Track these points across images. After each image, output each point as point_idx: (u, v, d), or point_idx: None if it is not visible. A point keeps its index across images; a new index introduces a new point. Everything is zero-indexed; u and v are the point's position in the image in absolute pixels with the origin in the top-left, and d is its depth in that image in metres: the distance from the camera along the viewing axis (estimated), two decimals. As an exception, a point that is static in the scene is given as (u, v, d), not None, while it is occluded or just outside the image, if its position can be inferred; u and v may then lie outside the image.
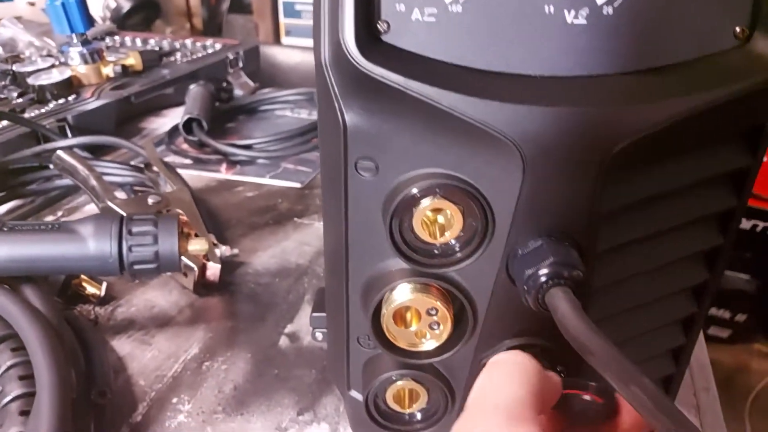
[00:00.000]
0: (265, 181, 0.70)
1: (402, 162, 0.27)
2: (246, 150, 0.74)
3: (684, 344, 0.33)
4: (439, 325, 0.30)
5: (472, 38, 0.25)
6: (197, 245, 0.45)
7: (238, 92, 0.94)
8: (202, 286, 0.51)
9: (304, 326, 0.47)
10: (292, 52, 1.16)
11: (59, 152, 0.59)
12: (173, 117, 0.88)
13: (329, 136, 0.28)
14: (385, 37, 0.25)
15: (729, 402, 1.36)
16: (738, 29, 0.25)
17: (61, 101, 0.77)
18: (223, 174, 0.72)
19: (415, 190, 0.27)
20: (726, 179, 0.29)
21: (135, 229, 0.43)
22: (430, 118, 0.25)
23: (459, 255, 0.28)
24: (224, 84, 0.94)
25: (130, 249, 0.42)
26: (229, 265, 0.54)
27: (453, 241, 0.28)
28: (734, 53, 0.26)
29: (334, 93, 0.27)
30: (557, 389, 0.27)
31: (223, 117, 0.87)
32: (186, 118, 0.76)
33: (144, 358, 0.44)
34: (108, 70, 0.85)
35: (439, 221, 0.28)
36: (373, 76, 0.25)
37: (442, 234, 0.28)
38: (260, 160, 0.75)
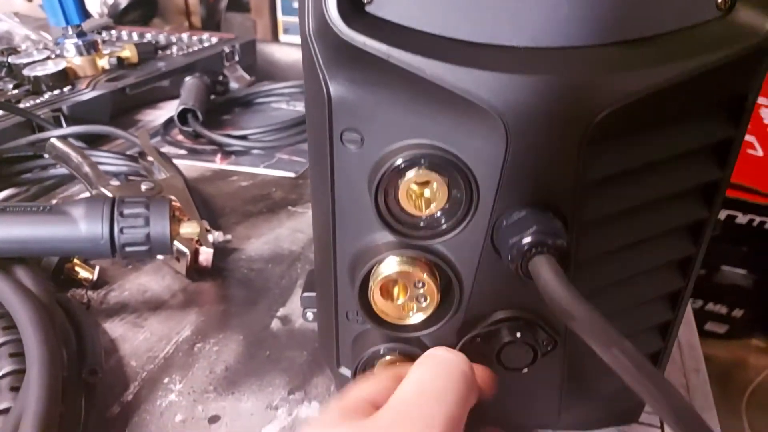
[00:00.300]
0: (260, 170, 0.71)
1: (387, 133, 0.27)
2: (241, 140, 0.74)
3: (671, 319, 0.33)
4: (425, 298, 0.30)
5: (454, 9, 0.25)
6: (189, 228, 0.45)
7: (234, 85, 0.94)
8: (195, 272, 0.51)
9: (296, 309, 0.48)
10: (290, 50, 1.16)
11: (53, 140, 0.59)
12: (169, 109, 0.88)
13: (315, 109, 0.28)
14: (368, 8, 0.26)
15: (726, 397, 1.36)
16: (720, 0, 0.26)
17: (56, 92, 0.78)
18: (218, 164, 0.72)
19: (399, 161, 0.27)
20: (710, 151, 0.29)
21: (126, 211, 0.43)
22: (414, 88, 0.26)
23: (444, 227, 0.28)
24: (220, 77, 0.94)
25: (121, 231, 0.42)
26: (222, 251, 0.54)
27: (438, 213, 0.28)
28: (716, 23, 0.26)
29: (318, 64, 0.27)
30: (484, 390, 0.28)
31: (218, 109, 0.87)
32: (181, 108, 0.76)
33: (136, 340, 0.44)
34: (103, 62, 0.85)
35: (424, 195, 0.28)
36: (356, 45, 0.25)
37: (427, 206, 0.28)
38: (255, 151, 0.75)
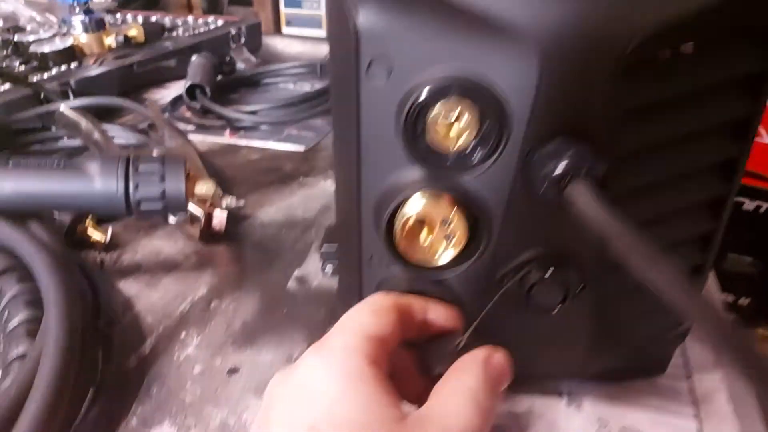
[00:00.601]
0: (269, 144, 0.70)
1: (416, 62, 0.27)
2: (250, 115, 0.74)
3: (713, 229, 0.32)
4: (453, 237, 0.29)
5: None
6: (204, 187, 0.45)
7: (241, 66, 0.94)
8: (209, 236, 0.51)
9: (313, 271, 0.47)
10: (293, 42, 1.16)
11: (62, 107, 0.59)
12: (176, 89, 0.87)
13: (339, 43, 0.28)
14: (400, -72, 0.25)
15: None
16: None
17: (63, 68, 0.77)
18: (227, 139, 0.72)
19: (429, 90, 0.26)
20: (742, 85, 0.29)
21: (142, 167, 0.42)
22: (445, 12, 0.25)
23: (475, 160, 0.28)
24: (227, 59, 0.93)
25: (136, 187, 0.42)
26: (234, 218, 0.54)
27: (469, 146, 0.28)
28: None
29: (347, -11, 0.26)
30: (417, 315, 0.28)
31: (225, 88, 0.86)
32: (189, 83, 0.75)
33: (151, 298, 0.44)
34: (110, 40, 0.84)
35: (454, 129, 0.28)
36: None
37: (457, 139, 0.27)
38: (263, 127, 0.74)
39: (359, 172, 0.30)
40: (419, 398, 0.25)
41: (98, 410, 0.33)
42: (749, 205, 1.21)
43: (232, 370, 0.37)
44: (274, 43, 1.13)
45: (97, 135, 0.55)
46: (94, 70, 0.76)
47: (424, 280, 0.32)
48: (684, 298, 0.21)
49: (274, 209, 0.56)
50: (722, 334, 0.21)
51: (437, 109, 0.27)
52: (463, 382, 0.25)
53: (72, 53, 0.80)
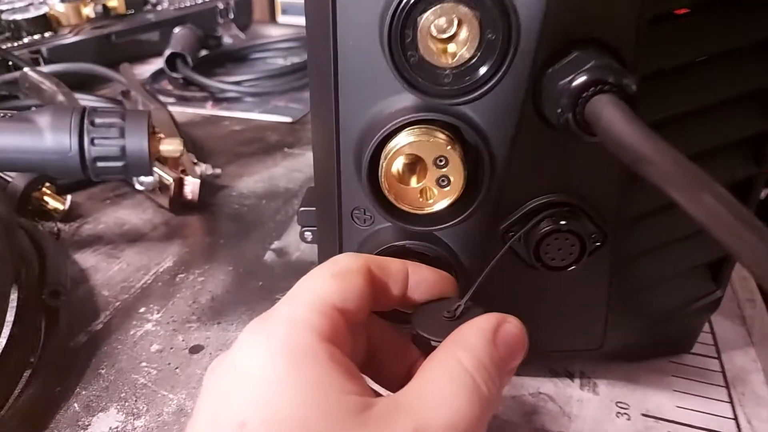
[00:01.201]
0: (254, 116, 0.65)
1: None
2: (234, 86, 0.69)
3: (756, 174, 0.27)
4: (448, 180, 0.25)
5: None
6: (171, 146, 0.40)
7: (227, 40, 0.89)
8: (181, 206, 0.46)
9: (294, 243, 0.42)
10: (288, 31, 1.11)
11: (26, 70, 0.54)
12: (158, 64, 0.82)
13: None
14: None
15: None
16: None
17: (36, 37, 0.72)
18: (209, 110, 0.67)
19: (420, -7, 0.22)
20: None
21: (99, 121, 0.37)
22: None
23: (474, 82, 0.23)
24: (214, 34, 0.89)
25: (92, 142, 0.37)
26: (210, 187, 0.49)
27: (467, 63, 0.23)
28: None
29: None
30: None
31: (210, 62, 0.81)
32: (169, 52, 0.71)
33: (110, 270, 0.39)
34: (88, 11, 0.80)
35: (450, 45, 0.23)
36: None
37: (454, 55, 0.23)
38: (248, 98, 0.69)
39: (337, 103, 0.25)
40: (404, 384, 0.20)
41: (33, 392, 0.29)
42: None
43: (196, 348, 0.32)
44: (269, 31, 1.08)
45: (60, 97, 0.50)
46: (68, 39, 0.71)
47: (415, 236, 0.27)
48: (744, 239, 0.17)
49: (254, 179, 0.51)
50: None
51: (429, 16, 0.22)
52: (458, 361, 0.19)
53: (47, 22, 0.75)
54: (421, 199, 0.25)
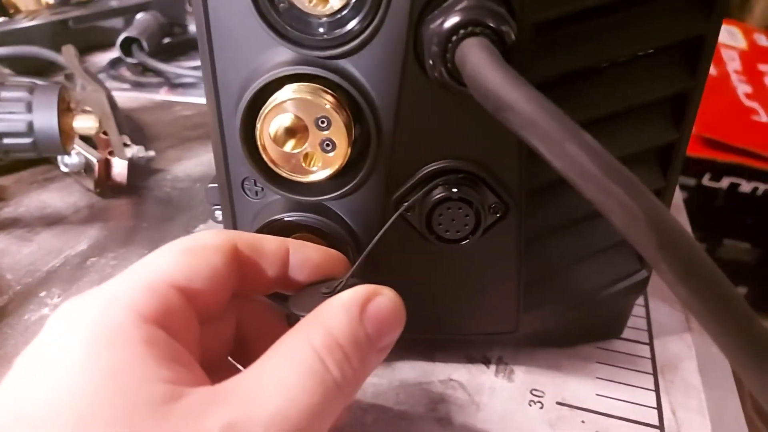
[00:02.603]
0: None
1: None
2: (190, 71, 0.67)
3: (676, 140, 0.25)
4: (333, 144, 0.22)
5: None
6: (85, 122, 0.38)
7: (193, 29, 0.87)
8: (109, 189, 0.44)
9: (220, 226, 0.40)
10: None
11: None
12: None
13: None
14: None
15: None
16: None
17: (-12, 22, 0.70)
18: (162, 95, 0.65)
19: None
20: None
21: (5, 95, 0.35)
22: None
23: (349, 29, 0.21)
24: (181, 23, 0.86)
25: (-4, 117, 0.35)
26: (144, 170, 0.47)
27: (341, 9, 0.21)
28: None
29: None
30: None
31: (172, 50, 0.79)
32: (123, 37, 0.69)
33: (19, 254, 0.37)
34: (47, -4, 0.77)
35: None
36: None
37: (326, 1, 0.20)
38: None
39: (213, 61, 0.23)
40: None
41: None
42: (746, 186, 1.14)
43: None
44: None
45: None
46: (21, 24, 0.69)
47: (305, 208, 0.25)
48: (610, 191, 0.14)
49: (193, 163, 0.49)
50: (663, 233, 0.14)
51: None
52: (307, 340, 0.17)
53: (1, 7, 0.73)
54: (305, 166, 0.23)
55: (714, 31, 0.22)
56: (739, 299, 0.14)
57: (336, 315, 0.18)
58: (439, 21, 0.18)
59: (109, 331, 0.16)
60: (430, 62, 0.19)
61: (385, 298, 0.19)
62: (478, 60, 0.17)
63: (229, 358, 0.23)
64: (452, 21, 0.18)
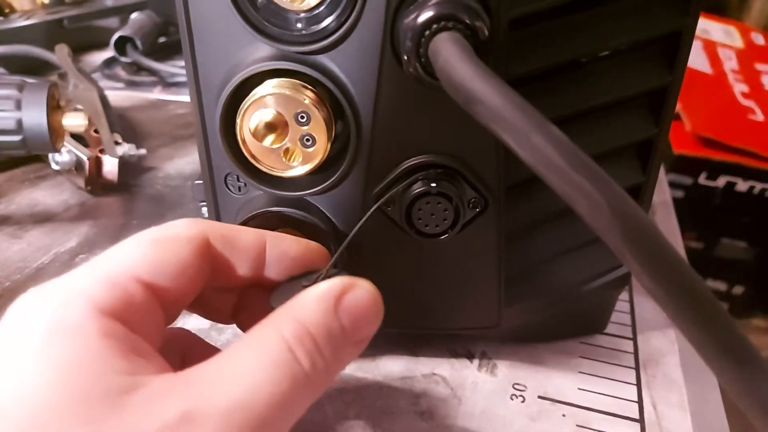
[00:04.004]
0: (201, 100, 0.63)
1: None
2: (182, 69, 0.67)
3: (654, 135, 0.25)
4: (313, 139, 0.23)
5: None
6: (74, 119, 0.38)
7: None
8: (100, 187, 0.44)
9: (209, 223, 0.40)
10: None
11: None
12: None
13: None
14: None
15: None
16: None
17: (-17, 22, 0.70)
18: (156, 94, 0.65)
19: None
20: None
21: (-7, 92, 0.35)
22: None
23: (326, 24, 0.21)
24: (175, 23, 0.87)
25: (-15, 114, 0.35)
26: (136, 168, 0.47)
27: (318, 5, 0.21)
28: None
29: None
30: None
31: (168, 49, 0.79)
32: (117, 36, 0.69)
33: (9, 251, 0.37)
34: (42, -4, 0.78)
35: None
36: None
37: (302, -4, 0.21)
38: (200, 83, 0.67)
39: (194, 57, 0.23)
40: None
41: None
42: (742, 185, 1.14)
43: None
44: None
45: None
46: (16, 23, 0.70)
47: (286, 203, 0.25)
48: (577, 185, 0.15)
49: (185, 161, 0.49)
50: (631, 227, 0.14)
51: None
52: (277, 330, 0.17)
53: (-4, 7, 0.73)
54: (285, 161, 0.23)
55: (691, 26, 0.22)
56: (704, 289, 0.14)
57: (309, 305, 0.18)
58: (413, 16, 0.19)
59: (67, 324, 0.15)
60: (405, 57, 0.19)
61: (362, 290, 0.18)
62: (449, 54, 0.17)
63: None
64: (426, 15, 0.18)
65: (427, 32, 0.18)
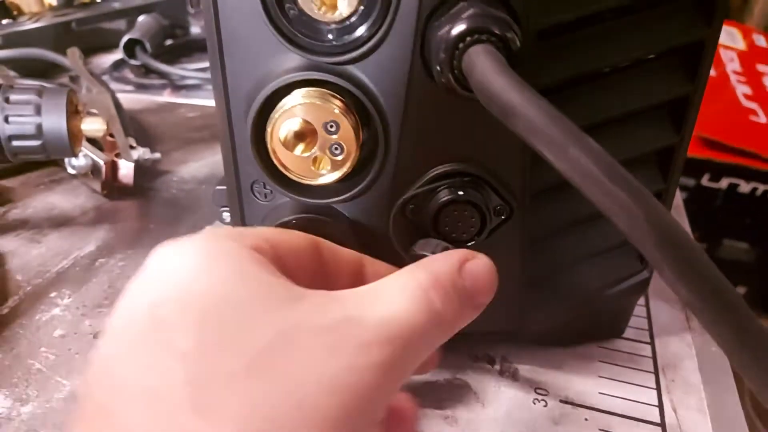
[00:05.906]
0: (210, 102, 0.63)
1: None
2: (194, 72, 0.67)
3: (676, 143, 0.25)
4: (341, 148, 0.23)
5: None
6: (93, 124, 0.38)
7: (195, 30, 0.87)
8: (115, 190, 0.44)
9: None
10: None
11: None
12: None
13: None
14: None
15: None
16: None
17: (-8, 24, 0.70)
18: (166, 97, 0.65)
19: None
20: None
21: (14, 98, 0.36)
22: None
23: (357, 36, 0.21)
24: (183, 24, 0.87)
25: (6, 119, 0.35)
26: (150, 172, 0.47)
27: (350, 16, 0.21)
28: None
29: None
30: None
31: (175, 51, 0.80)
32: (126, 39, 0.69)
33: (28, 255, 0.37)
34: (51, -1, 0.78)
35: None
36: None
37: (335, 7, 0.21)
38: (208, 86, 0.68)
39: (223, 66, 0.24)
40: None
41: None
42: (745, 187, 1.14)
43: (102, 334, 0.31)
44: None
45: (-2, 80, 0.49)
46: (25, 26, 0.70)
47: (314, 210, 0.25)
48: (612, 191, 0.15)
49: (198, 165, 0.50)
50: (669, 241, 0.14)
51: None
52: (414, 277, 0.18)
53: (5, 9, 0.74)
54: (313, 169, 0.24)
55: (714, 36, 0.23)
56: (737, 298, 0.15)
57: (441, 263, 0.19)
58: (446, 28, 0.19)
59: (224, 250, 0.17)
60: (438, 68, 0.19)
61: (482, 260, 0.20)
62: (485, 67, 0.17)
63: None
64: (459, 28, 0.18)
65: (461, 45, 0.18)
